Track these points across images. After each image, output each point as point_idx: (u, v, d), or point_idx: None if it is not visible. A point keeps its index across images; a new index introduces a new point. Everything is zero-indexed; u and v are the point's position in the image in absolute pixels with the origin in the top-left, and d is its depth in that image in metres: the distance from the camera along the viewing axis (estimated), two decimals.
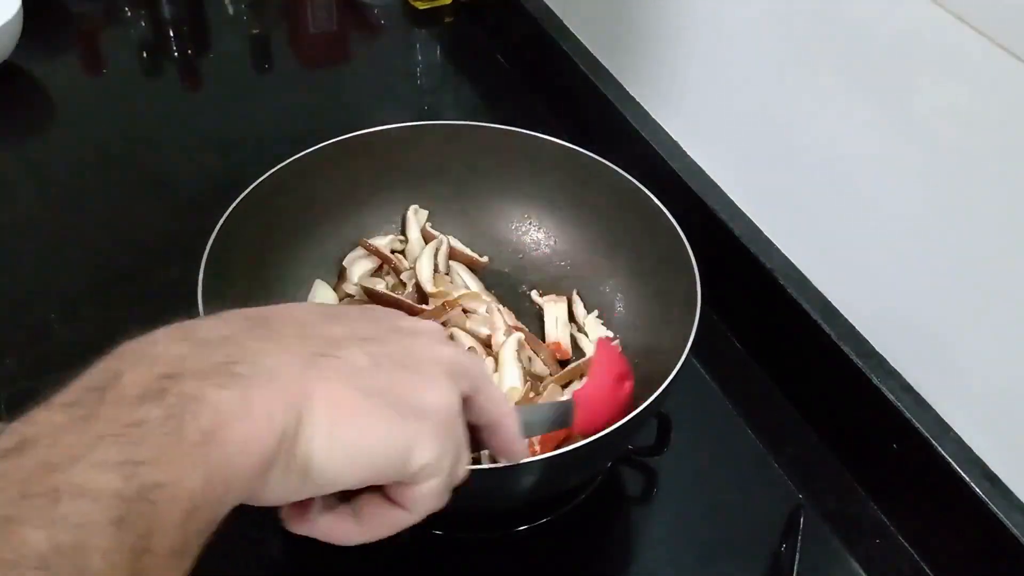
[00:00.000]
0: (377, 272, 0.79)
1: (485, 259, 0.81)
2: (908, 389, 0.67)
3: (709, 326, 0.70)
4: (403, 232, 0.81)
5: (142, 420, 0.30)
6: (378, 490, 0.40)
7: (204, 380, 0.32)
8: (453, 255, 0.80)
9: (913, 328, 0.67)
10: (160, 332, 0.34)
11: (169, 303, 0.70)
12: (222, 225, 0.66)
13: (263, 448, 0.33)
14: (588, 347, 0.74)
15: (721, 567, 0.67)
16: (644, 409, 0.58)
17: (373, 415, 0.36)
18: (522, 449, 0.48)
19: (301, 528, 0.42)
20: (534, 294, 0.79)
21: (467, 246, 0.82)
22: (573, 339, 0.76)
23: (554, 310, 0.77)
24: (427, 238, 0.80)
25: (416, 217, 0.81)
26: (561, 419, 0.58)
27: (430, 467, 0.38)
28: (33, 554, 0.26)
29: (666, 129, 0.89)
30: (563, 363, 0.74)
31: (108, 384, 0.31)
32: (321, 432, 0.34)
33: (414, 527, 0.60)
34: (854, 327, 0.71)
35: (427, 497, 0.40)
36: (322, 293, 0.76)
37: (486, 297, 0.77)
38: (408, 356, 0.40)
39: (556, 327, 0.76)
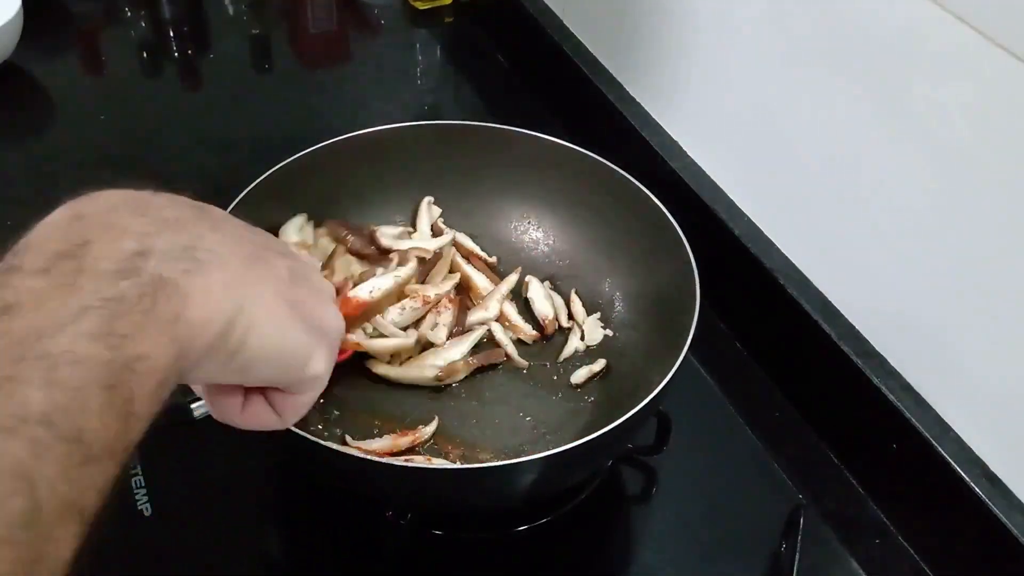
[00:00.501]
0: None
1: (493, 259, 0.81)
2: (908, 389, 0.67)
3: (709, 326, 0.70)
4: (412, 224, 0.81)
5: (121, 296, 0.32)
6: (261, 394, 0.46)
7: (173, 263, 0.35)
8: (461, 251, 0.80)
9: (913, 328, 0.67)
10: (114, 197, 0.37)
11: None
12: None
13: (214, 329, 0.36)
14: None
15: (721, 567, 0.67)
16: (644, 408, 0.58)
17: (292, 322, 0.42)
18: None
19: (207, 398, 0.47)
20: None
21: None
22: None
23: (537, 287, 0.78)
24: (436, 233, 0.80)
25: (429, 211, 0.81)
26: None
27: (317, 379, 0.45)
28: (37, 412, 0.29)
29: (666, 129, 0.89)
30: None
31: (79, 252, 0.33)
32: (255, 325, 0.39)
33: (414, 527, 0.61)
34: (854, 327, 0.71)
35: (301, 406, 0.46)
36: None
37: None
38: (309, 278, 0.45)
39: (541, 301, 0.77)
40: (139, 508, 0.65)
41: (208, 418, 0.57)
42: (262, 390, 0.46)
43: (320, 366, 0.44)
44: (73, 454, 0.29)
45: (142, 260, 0.34)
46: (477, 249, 0.80)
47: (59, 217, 0.36)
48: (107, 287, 0.33)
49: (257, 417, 0.46)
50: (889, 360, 0.69)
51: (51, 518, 0.28)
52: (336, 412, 0.68)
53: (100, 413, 0.30)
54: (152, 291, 0.33)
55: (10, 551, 0.27)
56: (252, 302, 0.39)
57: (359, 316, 0.67)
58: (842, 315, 0.72)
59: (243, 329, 0.38)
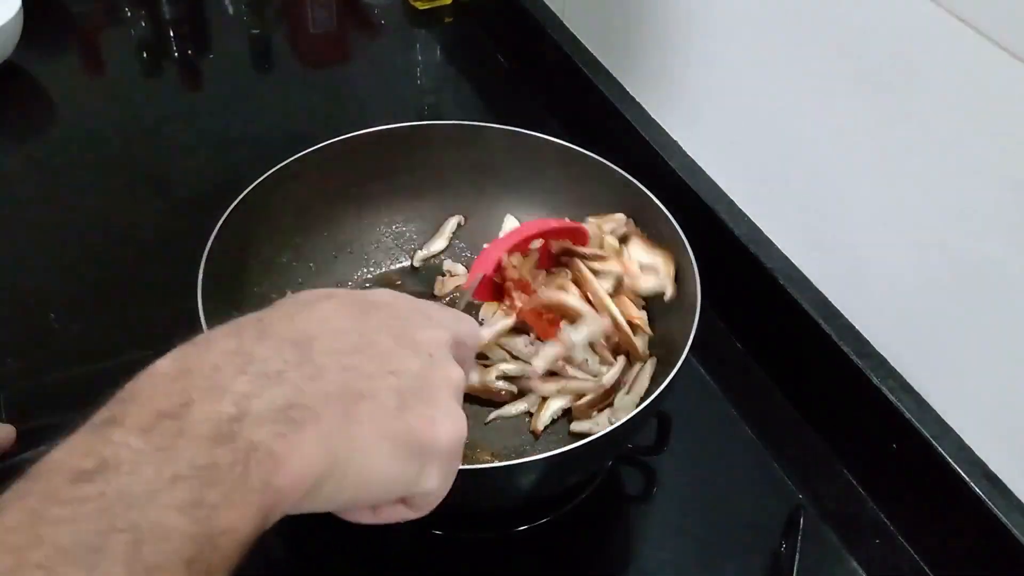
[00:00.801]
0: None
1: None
2: (908, 389, 0.67)
3: (709, 326, 0.70)
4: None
5: (214, 464, 0.32)
6: None
7: (268, 427, 0.35)
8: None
9: (913, 328, 0.67)
10: (218, 351, 0.37)
11: (169, 303, 0.71)
12: (222, 225, 0.66)
13: (304, 487, 0.36)
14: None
15: (721, 567, 0.67)
16: (644, 409, 0.58)
17: (396, 460, 0.40)
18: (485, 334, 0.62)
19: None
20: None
21: (467, 246, 0.83)
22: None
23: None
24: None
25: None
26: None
27: (431, 494, 0.43)
28: None
29: (666, 129, 0.89)
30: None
31: (180, 413, 0.33)
32: (352, 472, 0.38)
33: (414, 527, 0.61)
34: (854, 327, 0.71)
35: (430, 506, 0.44)
36: None
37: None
38: (426, 383, 0.43)
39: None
40: None
41: None
42: None
43: (431, 483, 0.42)
44: None
45: (239, 426, 0.34)
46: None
47: (167, 369, 0.35)
48: (201, 454, 0.32)
49: (390, 517, 0.44)
50: (889, 360, 0.69)
51: None
52: None
53: None
54: (244, 458, 0.33)
55: None
56: (349, 450, 0.38)
57: None
58: (842, 315, 0.72)
59: (339, 478, 0.37)
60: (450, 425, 0.43)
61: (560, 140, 0.77)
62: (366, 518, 0.44)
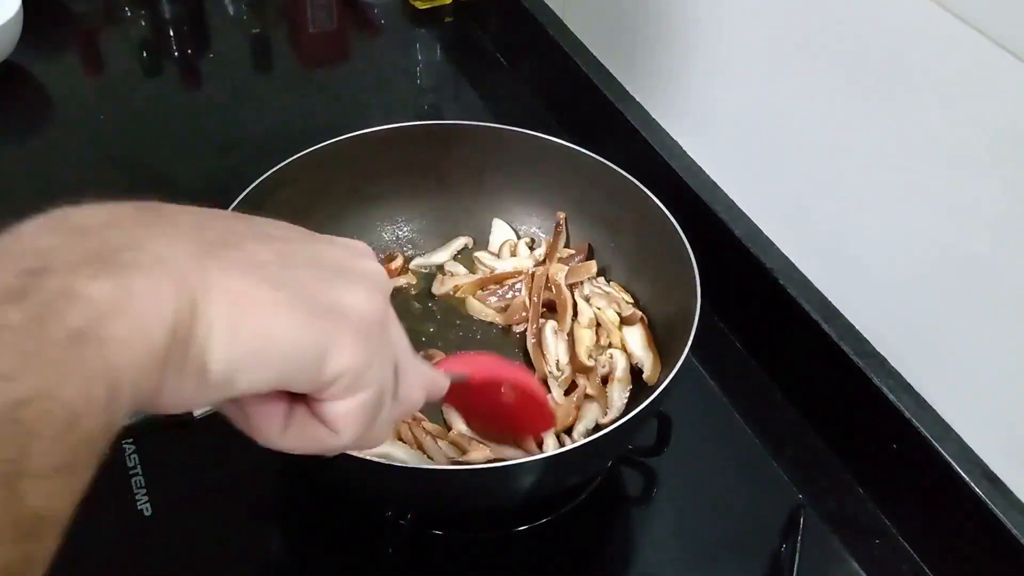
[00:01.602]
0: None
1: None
2: (908, 389, 0.67)
3: (709, 326, 0.70)
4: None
5: (1, 326, 0.25)
6: (304, 404, 0.36)
7: (75, 272, 0.27)
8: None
9: (913, 328, 0.67)
10: (30, 222, 0.30)
11: None
12: None
13: (151, 345, 0.28)
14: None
15: (721, 567, 0.67)
16: (644, 409, 0.58)
17: (279, 308, 0.32)
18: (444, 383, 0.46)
19: (239, 422, 0.38)
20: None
21: (467, 245, 0.82)
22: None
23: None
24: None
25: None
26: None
27: (349, 376, 0.34)
28: None
29: (666, 129, 0.89)
30: None
31: None
32: (219, 327, 0.30)
33: (414, 527, 0.61)
34: (854, 327, 0.71)
35: (352, 415, 0.35)
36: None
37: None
38: (324, 259, 0.36)
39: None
40: (139, 508, 0.65)
41: (208, 418, 0.57)
42: (304, 399, 0.36)
43: (346, 357, 0.33)
44: None
45: (33, 278, 0.27)
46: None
47: None
48: None
49: (305, 437, 0.36)
50: (889, 360, 0.69)
51: None
52: None
53: None
54: (42, 312, 0.26)
55: None
56: (212, 296, 0.30)
57: None
58: (842, 315, 0.72)
59: (204, 333, 0.30)
60: (361, 293, 0.35)
61: (560, 140, 0.77)
62: (275, 435, 0.36)
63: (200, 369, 0.30)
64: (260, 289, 0.32)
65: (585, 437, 0.62)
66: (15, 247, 0.28)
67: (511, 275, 0.78)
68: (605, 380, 0.71)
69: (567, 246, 0.80)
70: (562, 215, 0.81)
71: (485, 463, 0.62)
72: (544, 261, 0.79)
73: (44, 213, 0.30)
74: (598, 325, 0.74)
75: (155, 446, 0.67)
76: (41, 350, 0.26)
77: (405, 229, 0.83)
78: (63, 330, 0.26)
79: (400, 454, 0.64)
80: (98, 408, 0.26)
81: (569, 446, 0.57)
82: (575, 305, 0.73)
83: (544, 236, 0.82)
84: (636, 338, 0.72)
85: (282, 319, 0.32)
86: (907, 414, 0.65)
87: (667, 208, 0.70)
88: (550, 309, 0.75)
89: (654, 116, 0.90)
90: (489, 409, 0.57)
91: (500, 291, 0.78)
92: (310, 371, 0.33)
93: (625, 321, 0.73)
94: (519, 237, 0.82)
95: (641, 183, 0.73)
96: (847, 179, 0.69)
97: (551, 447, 0.65)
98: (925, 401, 0.66)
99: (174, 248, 0.30)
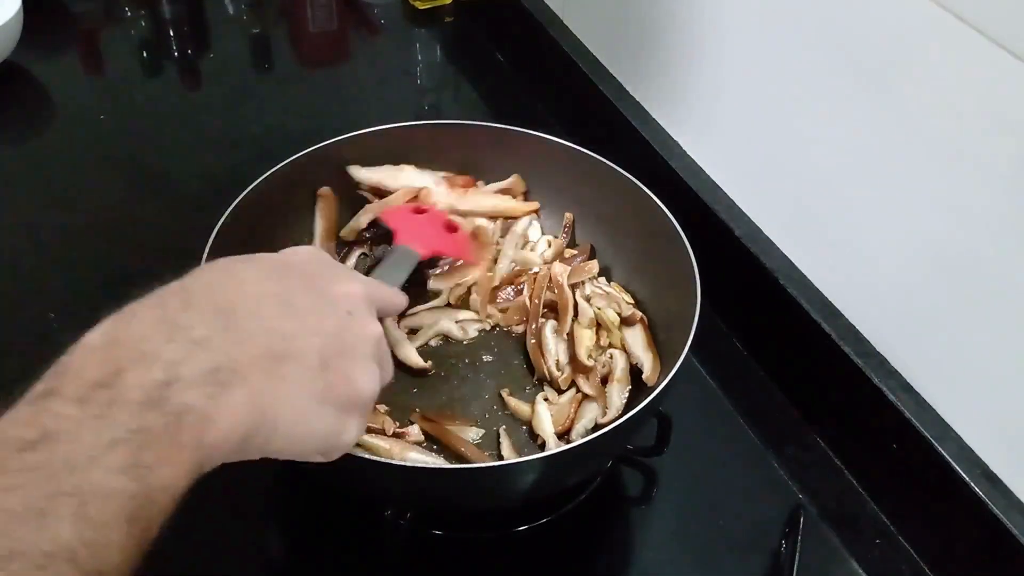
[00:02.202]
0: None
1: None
2: (908, 389, 0.67)
3: (709, 326, 0.70)
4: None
5: (148, 428, 0.35)
6: None
7: (196, 390, 0.37)
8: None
9: (913, 328, 0.67)
10: (144, 319, 0.39)
11: None
12: (222, 225, 0.66)
13: (233, 443, 0.39)
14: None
15: (721, 567, 0.67)
16: (644, 409, 0.58)
17: (320, 412, 0.44)
18: (402, 301, 0.59)
19: None
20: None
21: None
22: None
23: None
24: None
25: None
26: (410, 260, 0.69)
27: (350, 445, 0.47)
28: (65, 549, 0.31)
29: (666, 129, 0.89)
30: None
31: (113, 382, 0.36)
32: (279, 428, 0.41)
33: (413, 527, 0.61)
34: (854, 327, 0.71)
35: (339, 453, 0.47)
36: None
37: None
38: (346, 342, 0.46)
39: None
40: None
41: None
42: None
43: (351, 435, 0.46)
44: None
45: (168, 390, 0.36)
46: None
47: (97, 341, 0.38)
48: (135, 419, 0.35)
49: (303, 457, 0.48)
50: (889, 360, 0.69)
51: None
52: None
53: (121, 546, 0.33)
54: (176, 420, 0.36)
55: None
56: (275, 408, 0.41)
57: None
58: (842, 315, 0.72)
59: (266, 433, 0.41)
60: (368, 380, 0.47)
61: (560, 140, 0.77)
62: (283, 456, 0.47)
63: (254, 453, 0.41)
64: (308, 405, 0.43)
65: (584, 437, 0.62)
66: (147, 349, 0.38)
67: (519, 274, 0.78)
68: (605, 380, 0.71)
69: (570, 246, 0.80)
70: (570, 216, 0.80)
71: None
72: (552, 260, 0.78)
73: (154, 304, 0.41)
74: (598, 325, 0.74)
75: None
76: (174, 451, 0.35)
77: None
78: (189, 437, 0.36)
79: (413, 454, 0.65)
80: (186, 489, 0.37)
81: (568, 445, 0.57)
82: (576, 305, 0.73)
83: (544, 236, 0.81)
84: (636, 338, 0.72)
85: (320, 423, 0.44)
86: (907, 414, 0.65)
87: (667, 208, 0.70)
88: (550, 309, 0.75)
89: (654, 116, 0.90)
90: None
91: (503, 293, 0.77)
92: (327, 448, 0.46)
93: (625, 322, 0.73)
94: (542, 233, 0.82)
95: (641, 183, 0.73)
96: (847, 179, 0.69)
97: (551, 447, 0.65)
98: (925, 401, 0.66)
99: (252, 366, 0.40)
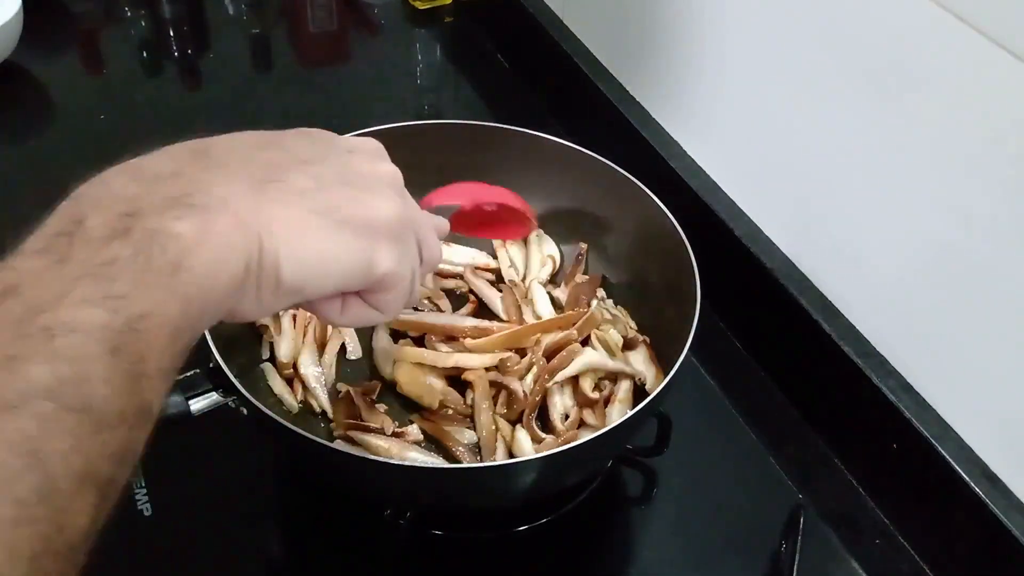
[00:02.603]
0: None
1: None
2: (908, 389, 0.67)
3: (709, 326, 0.70)
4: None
5: (114, 258, 0.32)
6: (357, 295, 0.45)
7: (163, 214, 0.34)
8: None
9: (913, 328, 0.67)
10: (109, 173, 0.37)
11: None
12: None
13: (230, 271, 0.36)
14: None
15: (721, 567, 0.67)
16: (644, 409, 0.58)
17: (330, 232, 0.40)
18: (444, 222, 0.56)
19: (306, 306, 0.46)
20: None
21: (466, 245, 0.82)
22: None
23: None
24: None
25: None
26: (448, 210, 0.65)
27: (392, 274, 0.43)
28: (40, 387, 0.29)
29: (667, 129, 0.89)
30: None
31: (74, 229, 0.33)
32: (284, 250, 0.38)
33: (413, 527, 0.61)
34: (854, 327, 0.71)
35: (395, 299, 0.45)
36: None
37: None
38: (349, 173, 0.43)
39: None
40: (139, 508, 0.65)
41: (207, 416, 0.57)
42: (356, 291, 0.45)
43: (387, 262, 0.42)
44: (83, 423, 0.29)
45: (132, 220, 0.34)
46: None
47: (60, 204, 0.36)
48: (99, 253, 0.32)
49: (359, 318, 0.45)
50: (889, 360, 0.69)
51: (66, 491, 0.28)
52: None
53: (107, 379, 0.30)
54: (146, 247, 0.33)
55: (28, 528, 0.27)
56: (273, 229, 0.38)
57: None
58: (842, 315, 0.72)
59: (272, 259, 0.37)
60: (383, 201, 0.43)
61: (560, 140, 0.77)
62: (335, 315, 0.45)
63: (274, 284, 0.38)
64: (308, 218, 0.39)
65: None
66: (105, 193, 0.35)
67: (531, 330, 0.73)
68: (606, 401, 0.69)
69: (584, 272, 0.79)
70: (584, 246, 0.79)
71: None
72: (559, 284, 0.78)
73: (121, 163, 0.38)
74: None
75: (155, 446, 0.67)
76: (149, 277, 0.32)
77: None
78: (163, 261, 0.33)
79: (412, 454, 0.65)
80: (193, 323, 0.34)
81: (568, 445, 0.57)
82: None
83: (542, 235, 0.81)
84: (638, 356, 0.71)
85: (332, 241, 0.40)
86: (907, 414, 0.65)
87: (667, 208, 0.70)
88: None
89: (654, 116, 0.90)
90: (481, 222, 0.71)
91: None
92: (362, 277, 0.42)
93: (627, 345, 0.72)
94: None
95: (641, 183, 0.73)
96: (847, 179, 0.69)
97: (552, 447, 0.65)
98: (925, 401, 0.66)
99: (231, 188, 0.37)
